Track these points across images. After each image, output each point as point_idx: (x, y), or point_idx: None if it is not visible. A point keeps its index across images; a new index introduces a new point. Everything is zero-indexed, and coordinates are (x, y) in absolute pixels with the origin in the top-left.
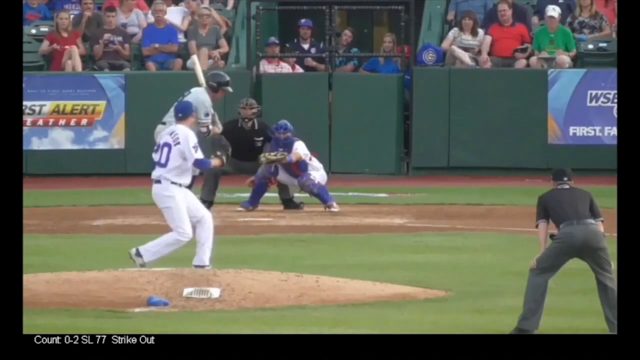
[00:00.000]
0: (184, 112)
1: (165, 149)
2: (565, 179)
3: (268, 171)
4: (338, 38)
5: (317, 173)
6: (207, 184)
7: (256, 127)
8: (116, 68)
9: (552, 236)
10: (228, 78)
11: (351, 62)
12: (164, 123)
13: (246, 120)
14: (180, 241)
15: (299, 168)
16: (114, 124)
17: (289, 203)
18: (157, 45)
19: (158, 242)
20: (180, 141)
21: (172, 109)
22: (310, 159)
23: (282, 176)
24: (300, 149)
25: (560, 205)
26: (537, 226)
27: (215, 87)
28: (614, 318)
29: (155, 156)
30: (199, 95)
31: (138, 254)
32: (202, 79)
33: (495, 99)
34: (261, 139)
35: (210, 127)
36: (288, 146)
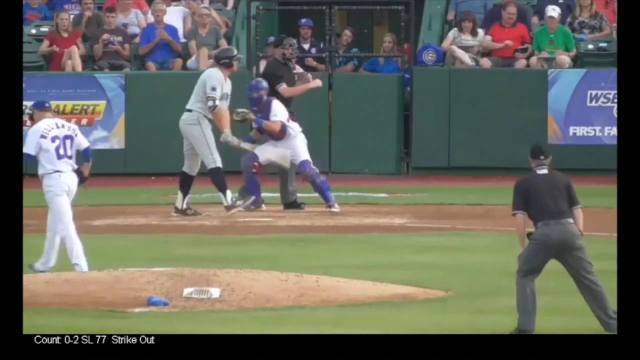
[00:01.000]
0: (44, 103)
1: (68, 141)
2: (542, 157)
3: (247, 160)
4: (338, 38)
5: (297, 139)
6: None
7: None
8: (116, 68)
9: (529, 235)
10: (235, 50)
11: (351, 62)
12: (189, 110)
13: (289, 59)
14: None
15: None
16: (114, 124)
17: (290, 205)
18: (158, 39)
19: (76, 249)
20: (77, 132)
21: (193, 96)
22: (288, 121)
23: (270, 152)
24: (279, 114)
25: (541, 197)
26: (514, 215)
27: (228, 62)
28: (608, 317)
29: (61, 150)
30: (209, 73)
31: (79, 267)
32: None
33: (495, 99)
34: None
35: (217, 102)
36: (265, 106)
